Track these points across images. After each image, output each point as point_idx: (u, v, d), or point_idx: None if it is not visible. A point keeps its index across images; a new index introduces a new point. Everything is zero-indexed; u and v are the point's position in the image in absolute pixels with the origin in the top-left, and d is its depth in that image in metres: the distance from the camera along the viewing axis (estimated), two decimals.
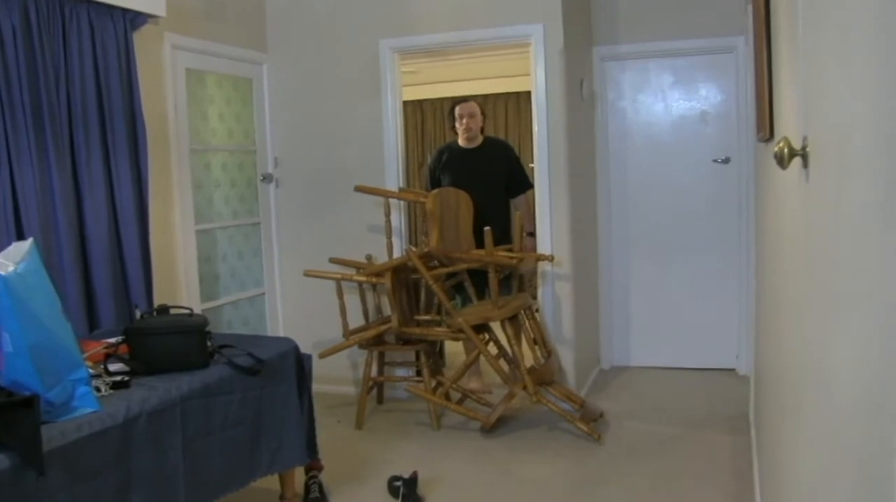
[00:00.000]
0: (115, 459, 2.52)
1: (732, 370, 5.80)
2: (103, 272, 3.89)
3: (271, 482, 3.51)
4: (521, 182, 5.48)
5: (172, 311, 3.35)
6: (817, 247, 1.57)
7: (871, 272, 0.99)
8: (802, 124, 1.77)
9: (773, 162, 1.83)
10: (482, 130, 5.51)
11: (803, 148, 1.66)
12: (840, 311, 1.26)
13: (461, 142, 5.45)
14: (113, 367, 2.90)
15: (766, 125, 2.83)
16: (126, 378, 2.81)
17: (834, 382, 1.32)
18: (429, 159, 6.04)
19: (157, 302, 4.14)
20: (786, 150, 1.71)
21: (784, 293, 2.39)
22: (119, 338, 3.09)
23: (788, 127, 2.14)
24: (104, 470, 2.47)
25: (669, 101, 5.84)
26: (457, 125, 5.41)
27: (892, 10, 0.86)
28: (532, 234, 5.22)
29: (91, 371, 2.72)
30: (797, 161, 1.75)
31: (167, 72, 4.54)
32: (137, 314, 3.61)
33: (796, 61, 1.94)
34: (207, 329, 3.14)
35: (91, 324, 3.85)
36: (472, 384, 5.39)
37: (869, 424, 1.01)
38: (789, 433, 2.17)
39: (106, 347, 3.06)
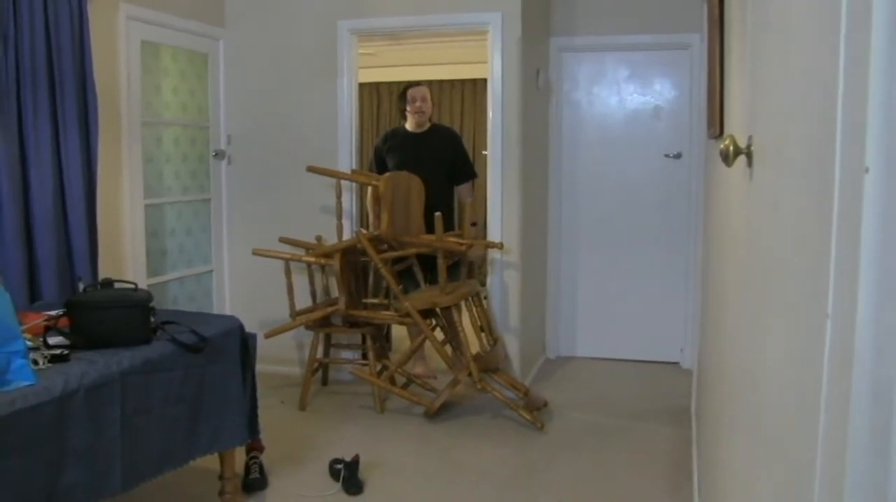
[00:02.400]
0: (50, 434, 2.47)
1: (676, 363, 5.89)
2: (47, 243, 3.81)
3: (211, 461, 3.48)
4: (465, 170, 5.47)
5: (117, 286, 3.30)
6: (755, 246, 1.60)
7: (801, 275, 1.02)
8: (748, 123, 1.80)
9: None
10: (430, 116, 5.51)
11: (748, 146, 1.69)
12: (771, 312, 1.29)
13: (409, 126, 5.44)
14: (52, 340, 2.84)
15: (716, 122, 2.87)
16: (65, 351, 2.75)
17: (763, 379, 1.35)
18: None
19: (102, 275, 4.07)
20: (731, 148, 1.73)
21: (726, 290, 2.43)
22: (60, 311, 3.03)
23: (736, 125, 2.17)
24: (38, 445, 2.42)
25: (624, 94, 5.89)
26: (408, 108, 5.39)
27: (826, 21, 0.87)
28: (474, 224, 5.23)
29: (29, 343, 2.67)
30: (742, 159, 1.78)
31: (121, 42, 4.45)
32: (81, 287, 3.54)
33: (745, 61, 1.97)
34: (151, 304, 3.09)
35: (32, 296, 3.78)
36: (417, 369, 5.40)
37: (792, 420, 1.03)
38: (726, 427, 2.21)
39: (46, 320, 3.00)
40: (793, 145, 1.15)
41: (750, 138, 1.69)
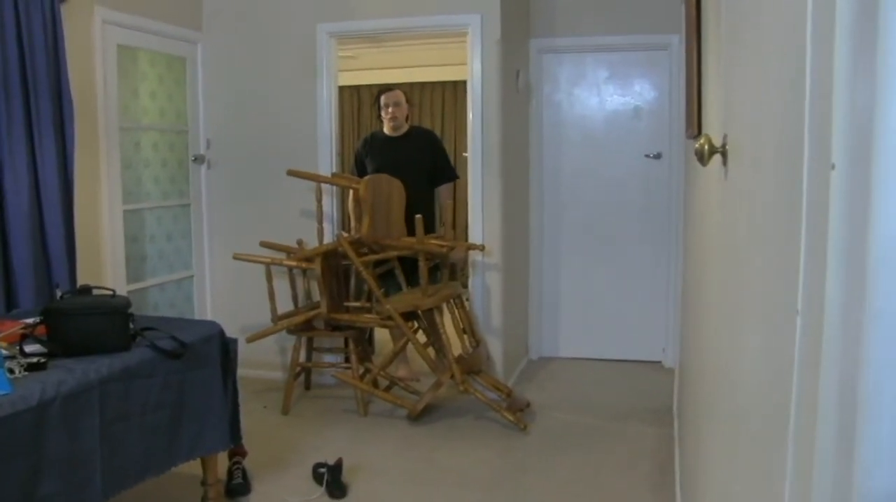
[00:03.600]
0: (27, 443, 2.45)
1: (658, 363, 5.90)
2: (23, 250, 3.78)
3: (194, 467, 3.46)
4: (445, 172, 5.48)
5: (95, 292, 3.28)
6: (730, 243, 1.61)
7: (773, 272, 1.02)
8: (723, 122, 1.81)
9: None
10: (407, 118, 5.50)
11: (723, 146, 1.70)
12: (746, 310, 1.30)
13: (386, 130, 5.44)
14: (29, 348, 2.82)
15: (694, 122, 2.88)
16: (42, 359, 2.73)
17: (739, 377, 1.35)
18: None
19: (80, 282, 4.04)
20: (706, 147, 1.74)
21: (705, 289, 2.44)
22: (37, 319, 3.01)
23: (713, 125, 2.18)
24: (15, 454, 2.39)
25: (604, 95, 5.90)
26: (382, 114, 5.40)
27: (793, 25, 0.88)
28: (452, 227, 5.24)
29: (5, 352, 2.65)
30: (717, 158, 1.78)
31: (97, 47, 4.42)
32: (58, 294, 3.51)
33: (720, 62, 1.98)
34: (130, 311, 3.07)
35: (9, 304, 3.75)
36: (399, 372, 5.39)
37: (765, 416, 1.04)
38: (706, 425, 2.22)
39: (23, 328, 2.97)
40: (764, 144, 1.15)
41: (725, 137, 1.70)
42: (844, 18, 0.68)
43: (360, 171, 5.40)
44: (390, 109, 5.36)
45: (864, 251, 0.63)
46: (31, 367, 2.66)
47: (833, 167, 0.70)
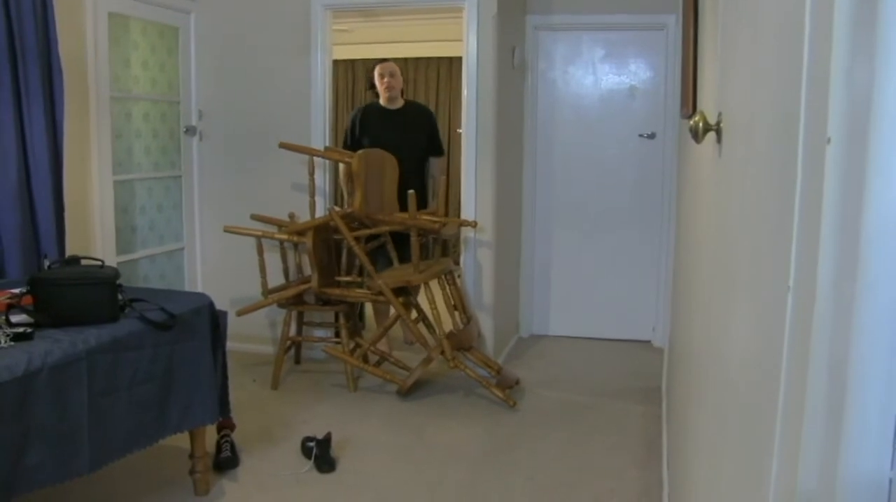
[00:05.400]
0: (13, 414, 2.43)
1: (648, 342, 5.92)
2: (11, 220, 3.75)
3: (182, 440, 3.46)
4: (436, 146, 5.56)
5: (83, 263, 3.25)
6: (723, 220, 1.60)
7: (765, 248, 1.01)
8: (718, 99, 1.79)
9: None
10: (403, 93, 5.50)
11: (717, 123, 1.68)
12: (737, 286, 1.29)
13: (382, 101, 5.44)
14: (15, 318, 2.80)
15: (689, 101, 2.86)
16: (29, 330, 2.71)
17: (728, 354, 1.35)
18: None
19: (69, 253, 4.02)
20: (700, 125, 1.73)
21: (697, 268, 2.43)
22: (23, 289, 2.99)
23: (708, 103, 2.17)
24: (1, 425, 2.39)
25: (599, 74, 5.87)
26: (377, 84, 5.40)
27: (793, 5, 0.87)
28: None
29: None
30: (711, 136, 1.77)
31: (88, 14, 4.37)
32: (46, 264, 3.49)
33: (718, 39, 1.96)
34: (119, 282, 3.06)
35: None
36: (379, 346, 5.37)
37: (753, 393, 1.03)
38: (694, 402, 2.22)
39: (9, 297, 2.95)
40: (760, 120, 1.14)
41: (720, 115, 1.69)
42: None
43: (353, 142, 5.36)
44: (385, 79, 5.36)
45: (857, 226, 0.62)
46: (17, 337, 2.64)
47: (829, 140, 0.69)
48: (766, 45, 1.13)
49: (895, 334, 0.60)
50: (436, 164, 5.50)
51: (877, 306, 0.61)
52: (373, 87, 5.47)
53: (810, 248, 0.74)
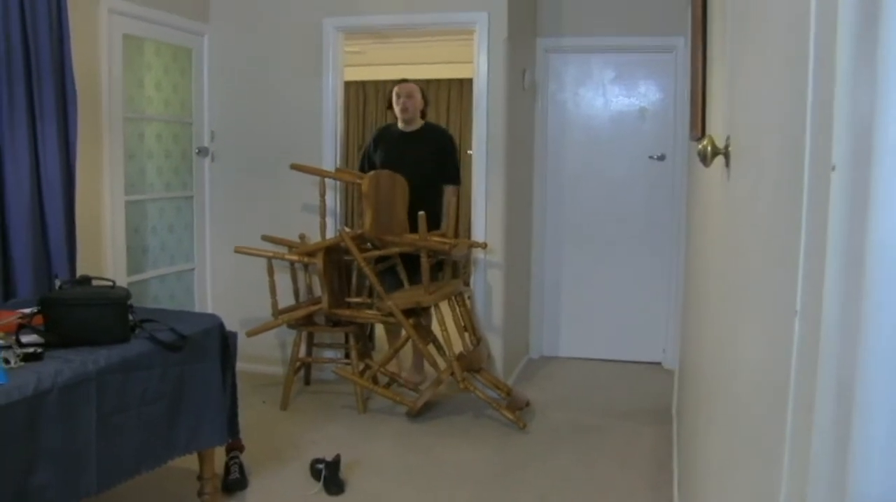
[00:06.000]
0: (22, 435, 2.43)
1: (658, 364, 5.89)
2: (23, 240, 3.77)
3: (191, 461, 3.45)
4: (451, 174, 5.34)
5: (95, 283, 3.27)
6: (732, 244, 1.60)
7: (773, 272, 1.01)
8: (727, 124, 1.80)
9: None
10: (423, 115, 5.40)
11: (726, 147, 1.69)
12: (746, 309, 1.29)
13: (400, 124, 5.37)
14: (25, 339, 2.80)
15: (698, 124, 2.87)
16: (39, 350, 2.72)
17: (738, 376, 1.34)
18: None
19: (81, 273, 4.04)
20: (709, 149, 1.73)
21: (706, 290, 2.43)
22: (34, 309, 3.00)
23: (716, 127, 2.17)
24: (9, 445, 2.38)
25: (609, 96, 5.89)
26: (394, 105, 5.31)
27: (796, 28, 0.87)
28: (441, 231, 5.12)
29: (1, 342, 2.64)
30: (720, 160, 1.77)
31: (103, 36, 4.41)
32: (57, 284, 3.50)
33: (726, 63, 1.97)
34: (129, 302, 3.06)
35: (7, 294, 3.73)
36: (406, 374, 5.35)
37: (763, 415, 1.03)
38: (704, 424, 2.22)
39: (20, 317, 2.96)
40: (767, 145, 1.14)
41: (728, 139, 1.69)
42: (846, 24, 0.68)
43: (370, 163, 5.35)
44: (401, 100, 5.25)
45: (862, 252, 0.62)
46: (27, 358, 2.65)
47: (834, 168, 0.69)
48: (772, 71, 1.13)
49: None
50: (450, 192, 5.30)
51: (882, 330, 0.61)
52: (391, 107, 5.39)
53: (816, 273, 0.74)
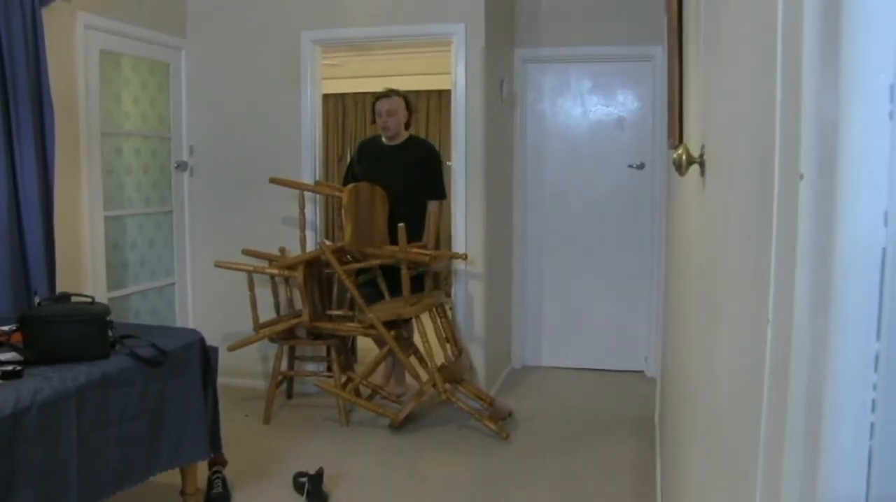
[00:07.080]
0: (1, 453, 2.41)
1: (641, 372, 5.92)
2: (1, 257, 3.75)
3: (173, 477, 3.44)
4: (432, 188, 5.24)
5: (74, 299, 3.25)
6: (708, 255, 1.61)
7: (746, 281, 1.03)
8: (702, 133, 1.82)
9: None
10: (408, 126, 5.28)
11: (700, 156, 1.70)
12: (721, 318, 1.30)
13: (384, 138, 5.29)
14: (4, 356, 2.79)
15: (675, 132, 2.89)
16: (18, 367, 2.70)
17: (715, 385, 1.36)
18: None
19: (60, 289, 4.01)
20: (684, 157, 1.75)
21: (685, 298, 2.44)
22: (13, 326, 2.98)
23: (693, 135, 2.19)
24: None
25: (588, 105, 5.93)
26: (377, 120, 5.25)
27: (764, 38, 0.89)
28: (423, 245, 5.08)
29: None
30: (695, 168, 1.79)
31: (79, 52, 4.39)
32: (36, 301, 3.48)
33: (700, 73, 1.99)
34: (109, 318, 3.05)
35: None
36: (390, 386, 5.32)
37: (738, 423, 1.04)
38: (685, 433, 2.23)
39: None
40: (738, 154, 1.16)
41: (703, 147, 1.71)
42: (811, 37, 0.69)
43: (353, 176, 5.31)
44: (383, 117, 5.15)
45: (829, 260, 0.63)
46: (5, 375, 2.63)
47: (802, 177, 0.71)
48: (741, 82, 1.15)
49: (867, 363, 0.61)
50: (434, 206, 5.22)
51: (849, 337, 0.62)
52: (374, 121, 5.29)
53: (787, 281, 0.75)
